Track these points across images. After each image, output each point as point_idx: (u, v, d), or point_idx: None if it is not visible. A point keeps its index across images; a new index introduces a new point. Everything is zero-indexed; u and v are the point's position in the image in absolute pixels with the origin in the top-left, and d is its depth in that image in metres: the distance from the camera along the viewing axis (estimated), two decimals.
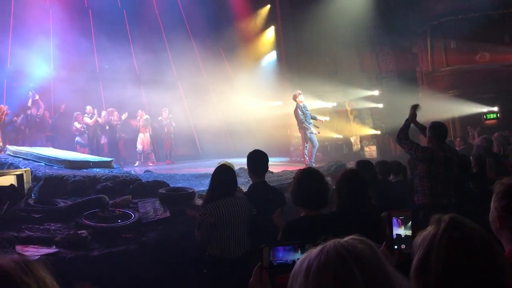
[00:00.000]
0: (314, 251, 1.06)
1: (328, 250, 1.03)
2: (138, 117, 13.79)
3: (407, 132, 4.69)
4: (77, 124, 12.71)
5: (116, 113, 13.44)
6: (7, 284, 0.92)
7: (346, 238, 1.07)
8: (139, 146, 13.47)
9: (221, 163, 4.61)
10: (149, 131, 13.76)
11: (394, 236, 1.73)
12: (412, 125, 4.80)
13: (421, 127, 4.88)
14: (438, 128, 4.60)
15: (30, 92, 12.72)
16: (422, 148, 4.51)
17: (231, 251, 3.63)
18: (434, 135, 4.57)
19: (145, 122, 13.64)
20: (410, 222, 1.74)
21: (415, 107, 4.81)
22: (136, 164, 13.06)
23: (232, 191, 3.76)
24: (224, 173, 3.83)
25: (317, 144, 10.49)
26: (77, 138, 12.73)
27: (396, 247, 1.72)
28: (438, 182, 4.46)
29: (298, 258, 1.12)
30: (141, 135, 13.54)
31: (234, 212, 3.62)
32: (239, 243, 3.66)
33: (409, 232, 1.73)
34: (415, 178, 4.76)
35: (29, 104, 12.52)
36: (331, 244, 1.05)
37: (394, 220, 1.73)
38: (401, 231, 1.73)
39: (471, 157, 5.51)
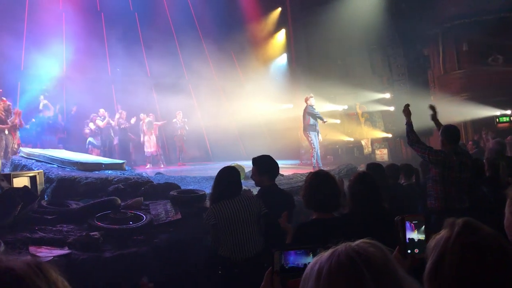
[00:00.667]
0: (325, 254, 1.06)
1: (339, 254, 1.03)
2: (141, 121, 13.68)
3: (415, 134, 4.65)
4: (92, 126, 12.82)
5: (124, 114, 13.51)
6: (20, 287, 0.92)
7: (357, 242, 1.06)
8: (147, 150, 13.47)
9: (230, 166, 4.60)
10: (154, 133, 13.67)
11: (407, 241, 1.72)
12: (417, 127, 4.77)
13: (439, 124, 4.90)
14: (451, 131, 4.55)
15: (41, 96, 12.90)
16: (435, 152, 4.46)
17: (242, 251, 3.54)
18: (447, 139, 4.53)
19: (148, 125, 13.53)
20: (424, 227, 1.72)
21: (406, 107, 4.80)
22: (147, 167, 13.11)
23: (236, 192, 3.70)
24: (227, 174, 3.78)
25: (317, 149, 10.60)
26: (90, 139, 12.84)
27: (409, 251, 1.71)
28: (451, 186, 4.41)
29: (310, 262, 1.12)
30: (146, 138, 13.49)
31: (240, 213, 3.55)
32: (249, 243, 3.56)
33: (422, 237, 1.71)
34: (427, 181, 4.70)
35: (41, 107, 12.69)
36: (342, 248, 1.04)
37: (407, 224, 1.71)
38: (414, 235, 1.72)
39: (484, 161, 5.45)
